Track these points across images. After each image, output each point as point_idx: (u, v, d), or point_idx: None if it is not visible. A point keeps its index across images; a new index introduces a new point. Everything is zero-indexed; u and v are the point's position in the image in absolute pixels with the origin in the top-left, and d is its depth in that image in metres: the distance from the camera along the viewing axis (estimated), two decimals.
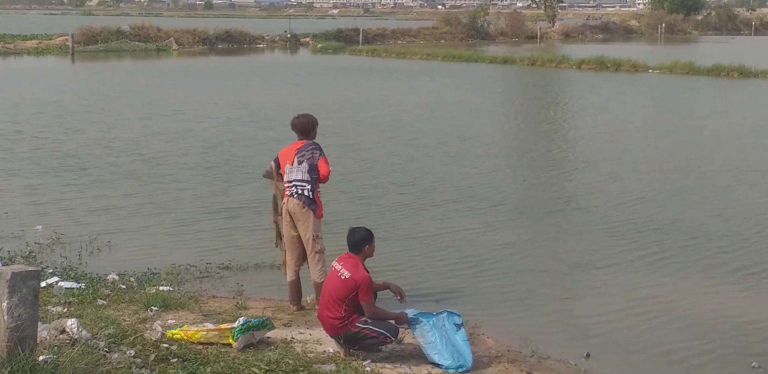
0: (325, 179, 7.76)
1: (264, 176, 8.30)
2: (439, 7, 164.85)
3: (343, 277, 6.66)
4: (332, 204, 10.71)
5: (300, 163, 7.67)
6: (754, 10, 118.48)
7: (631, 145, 18.07)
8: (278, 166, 7.88)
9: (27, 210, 11.77)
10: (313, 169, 7.65)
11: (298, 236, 7.77)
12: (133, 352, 6.11)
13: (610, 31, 78.11)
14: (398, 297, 7.09)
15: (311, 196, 7.65)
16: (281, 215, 7.87)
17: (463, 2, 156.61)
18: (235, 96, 26.55)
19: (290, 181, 7.69)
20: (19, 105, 23.42)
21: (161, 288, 8.24)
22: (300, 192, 7.64)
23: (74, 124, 20.07)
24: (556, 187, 13.98)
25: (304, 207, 7.64)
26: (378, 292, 7.06)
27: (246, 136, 18.55)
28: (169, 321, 7.14)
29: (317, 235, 7.71)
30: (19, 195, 12.65)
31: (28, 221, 11.02)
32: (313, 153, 7.72)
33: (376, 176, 14.39)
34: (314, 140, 7.88)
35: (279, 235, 8.07)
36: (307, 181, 7.63)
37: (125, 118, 21.05)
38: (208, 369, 5.96)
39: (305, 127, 7.85)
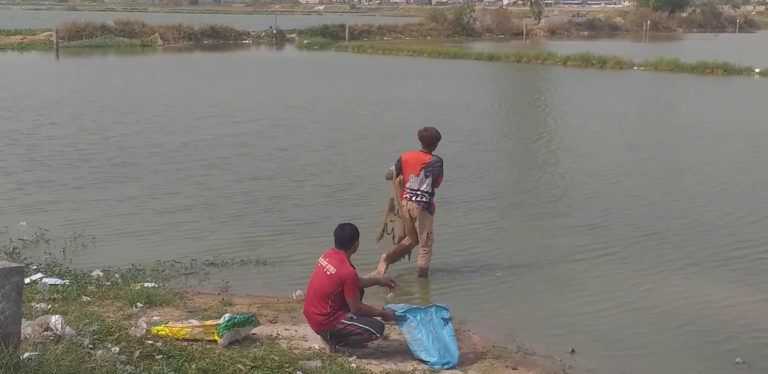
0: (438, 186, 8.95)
1: (386, 178, 9.19)
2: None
3: (329, 273, 6.66)
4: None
5: (426, 176, 8.71)
6: (739, 8, 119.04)
7: (623, 144, 18.14)
8: (399, 169, 8.87)
9: (11, 206, 11.71)
10: (435, 182, 8.78)
11: (414, 227, 8.93)
12: (117, 349, 6.09)
13: (595, 29, 78.18)
14: (392, 285, 7.20)
15: (428, 201, 8.77)
16: (396, 214, 9.04)
17: None
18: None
19: (414, 190, 8.75)
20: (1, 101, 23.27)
21: (146, 284, 8.20)
22: (421, 199, 8.74)
23: (61, 119, 19.97)
24: (544, 184, 14.01)
25: (423, 210, 8.78)
26: (364, 289, 7.07)
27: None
28: (154, 318, 7.12)
29: (431, 232, 8.87)
30: (4, 191, 12.58)
31: (13, 217, 10.97)
32: (439, 170, 8.74)
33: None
34: (437, 155, 8.79)
35: (384, 231, 9.18)
36: (429, 193, 8.77)
37: (103, 113, 20.95)
38: (193, 366, 5.95)
39: (432, 139, 8.80)
